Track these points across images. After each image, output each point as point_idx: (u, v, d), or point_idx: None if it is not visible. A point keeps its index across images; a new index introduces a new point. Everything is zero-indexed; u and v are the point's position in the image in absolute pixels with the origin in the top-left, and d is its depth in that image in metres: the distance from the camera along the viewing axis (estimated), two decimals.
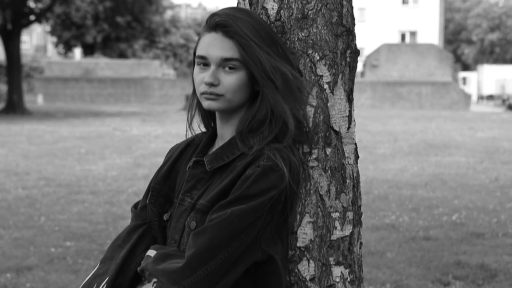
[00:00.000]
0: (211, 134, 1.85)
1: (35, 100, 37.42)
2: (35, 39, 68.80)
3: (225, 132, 1.78)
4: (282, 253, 1.73)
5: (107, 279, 1.75)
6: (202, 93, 1.73)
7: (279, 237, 1.71)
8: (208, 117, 1.87)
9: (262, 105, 1.72)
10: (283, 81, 1.69)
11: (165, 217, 1.81)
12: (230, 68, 1.71)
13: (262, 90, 1.72)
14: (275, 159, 1.64)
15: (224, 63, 1.71)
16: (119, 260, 1.77)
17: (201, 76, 1.74)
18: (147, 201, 1.84)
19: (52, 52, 62.66)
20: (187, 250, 1.60)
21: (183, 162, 1.86)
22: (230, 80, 1.71)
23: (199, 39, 1.77)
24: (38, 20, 30.25)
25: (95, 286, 1.77)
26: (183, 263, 1.58)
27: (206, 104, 1.73)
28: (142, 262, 1.74)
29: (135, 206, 1.90)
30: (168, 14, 49.23)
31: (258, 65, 1.68)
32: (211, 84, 1.71)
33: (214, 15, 1.73)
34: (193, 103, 1.85)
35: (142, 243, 1.81)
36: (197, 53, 1.74)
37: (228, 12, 1.72)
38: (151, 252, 1.73)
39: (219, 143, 1.80)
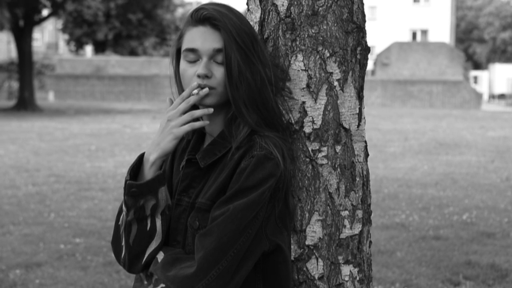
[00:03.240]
0: (200, 132, 1.81)
1: (46, 97, 37.57)
2: (46, 37, 69.08)
3: (214, 128, 1.75)
4: (288, 241, 1.73)
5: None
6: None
7: (284, 225, 1.70)
8: None
9: None
10: (247, 90, 1.66)
11: None
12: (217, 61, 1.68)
13: None
14: (268, 147, 1.63)
15: (216, 55, 1.68)
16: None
17: (192, 70, 1.70)
18: None
19: (63, 49, 62.89)
20: (196, 253, 1.59)
21: (175, 160, 1.84)
22: (221, 72, 1.68)
23: (182, 35, 1.73)
24: (51, 16, 30.32)
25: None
26: (195, 267, 1.56)
27: (204, 101, 1.68)
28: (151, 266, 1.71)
29: None
30: (179, 11, 49.29)
31: (228, 65, 1.66)
32: (205, 76, 1.67)
33: (199, 9, 1.70)
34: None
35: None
36: (186, 46, 1.70)
37: (214, 7, 1.71)
38: (159, 255, 1.71)
39: (208, 140, 1.77)
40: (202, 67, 1.67)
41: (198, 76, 1.67)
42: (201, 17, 1.69)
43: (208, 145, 1.73)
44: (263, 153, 1.61)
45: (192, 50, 1.69)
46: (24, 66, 28.79)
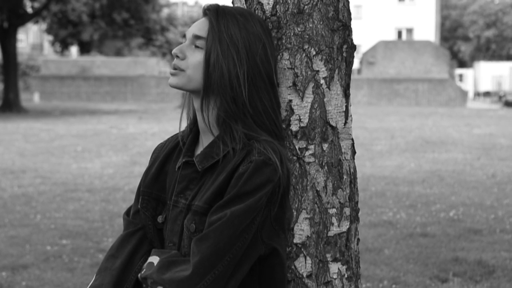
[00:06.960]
0: (195, 132, 1.82)
1: (32, 98, 37.35)
2: (31, 38, 68.67)
3: (205, 126, 1.75)
4: (285, 243, 1.73)
5: None
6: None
7: (281, 228, 1.70)
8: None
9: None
10: (219, 80, 1.68)
11: (159, 219, 1.78)
12: (196, 46, 1.72)
13: None
14: (267, 153, 1.63)
15: (196, 40, 1.72)
16: (115, 271, 1.74)
17: None
18: (139, 206, 1.82)
19: (48, 50, 62.55)
20: (192, 257, 1.59)
21: (171, 162, 1.84)
22: (195, 57, 1.71)
23: None
24: (35, 18, 30.16)
25: None
26: (190, 271, 1.56)
27: (169, 80, 1.74)
28: (144, 269, 1.71)
29: (127, 213, 1.87)
30: (165, 12, 49.17)
31: (208, 52, 1.69)
32: (176, 56, 1.73)
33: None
34: (188, 99, 1.83)
35: (139, 252, 1.78)
36: None
37: (223, 5, 1.75)
38: (154, 259, 1.70)
39: (203, 140, 1.77)
40: (177, 47, 1.74)
41: (172, 54, 1.75)
42: (203, 9, 1.76)
43: (206, 147, 1.73)
44: (261, 158, 1.62)
45: (184, 36, 1.79)
46: (9, 67, 28.61)
